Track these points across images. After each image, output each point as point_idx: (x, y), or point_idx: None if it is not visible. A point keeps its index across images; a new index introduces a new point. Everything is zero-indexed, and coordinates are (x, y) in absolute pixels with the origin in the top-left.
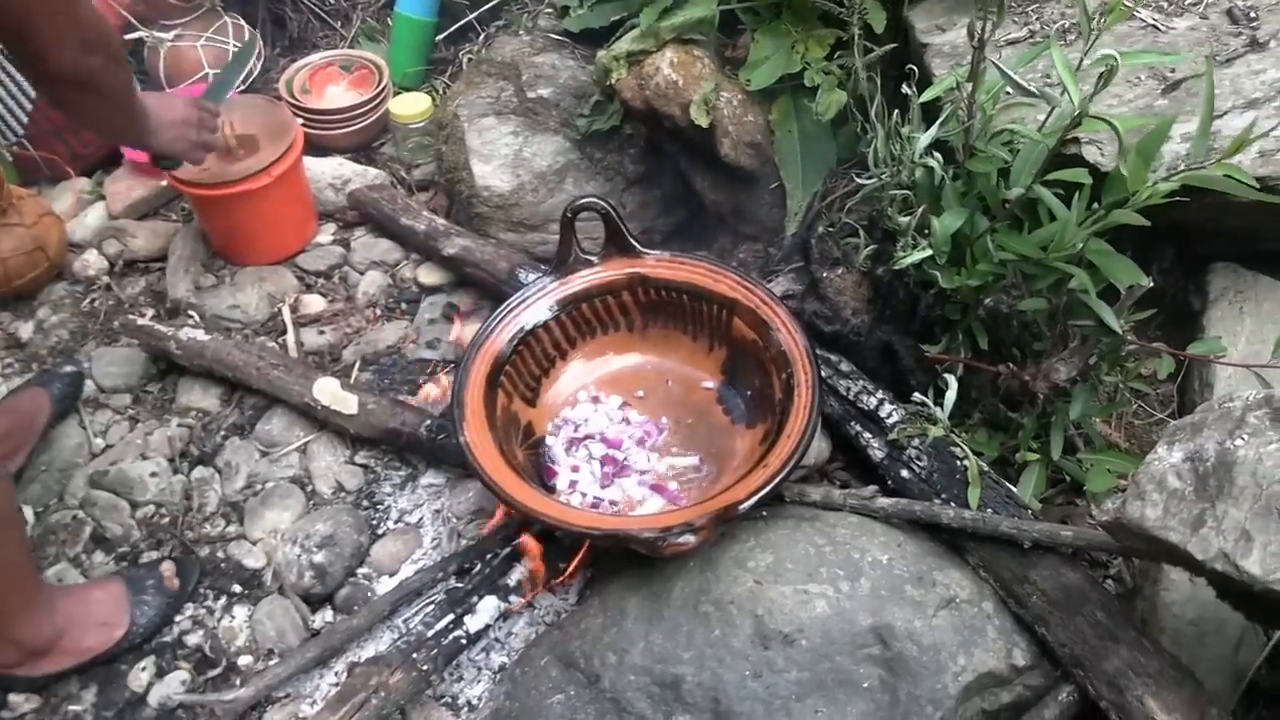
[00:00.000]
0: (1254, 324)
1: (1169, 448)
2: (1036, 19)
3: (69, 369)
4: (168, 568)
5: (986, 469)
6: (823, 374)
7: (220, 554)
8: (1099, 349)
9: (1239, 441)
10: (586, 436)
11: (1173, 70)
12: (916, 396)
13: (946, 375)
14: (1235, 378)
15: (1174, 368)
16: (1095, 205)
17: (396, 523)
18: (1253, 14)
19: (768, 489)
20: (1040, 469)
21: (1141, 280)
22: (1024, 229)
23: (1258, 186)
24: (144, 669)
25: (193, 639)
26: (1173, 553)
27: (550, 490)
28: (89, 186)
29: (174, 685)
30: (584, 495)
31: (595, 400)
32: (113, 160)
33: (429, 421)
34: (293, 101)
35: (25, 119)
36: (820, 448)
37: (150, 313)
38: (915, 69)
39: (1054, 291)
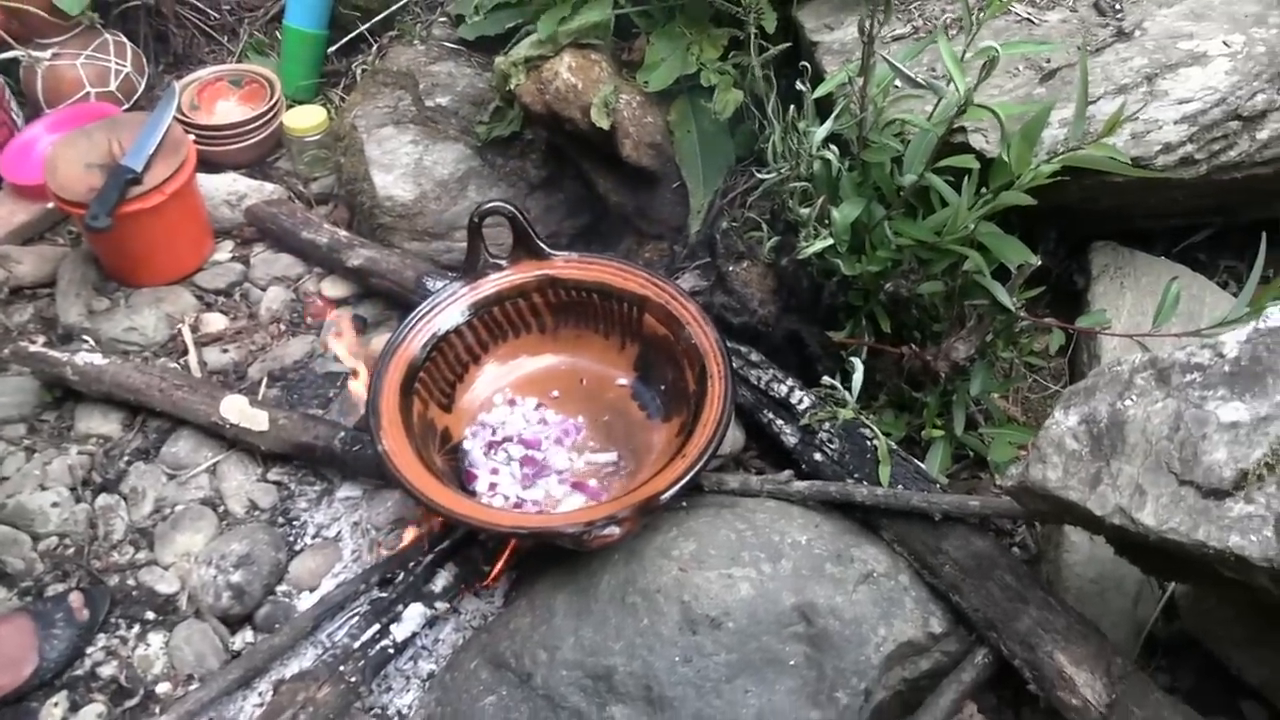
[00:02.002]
0: (1134, 297)
1: (1065, 412)
2: (919, 15)
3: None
4: (76, 599)
5: (895, 448)
6: (734, 365)
7: (131, 581)
8: (994, 327)
9: (1128, 402)
10: (505, 439)
11: (1048, 60)
12: (825, 380)
13: (852, 359)
14: (1120, 349)
15: (1064, 341)
16: (984, 190)
17: (314, 538)
18: (1118, 6)
19: (687, 478)
20: (945, 445)
21: (1030, 259)
22: (919, 215)
23: (1130, 163)
24: (56, 704)
25: (107, 670)
26: (1073, 511)
27: (471, 494)
28: None
29: (90, 719)
30: (505, 497)
31: (511, 403)
32: None
33: (343, 434)
34: (182, 118)
35: None
36: (735, 437)
37: (41, 339)
38: (808, 66)
39: (950, 274)
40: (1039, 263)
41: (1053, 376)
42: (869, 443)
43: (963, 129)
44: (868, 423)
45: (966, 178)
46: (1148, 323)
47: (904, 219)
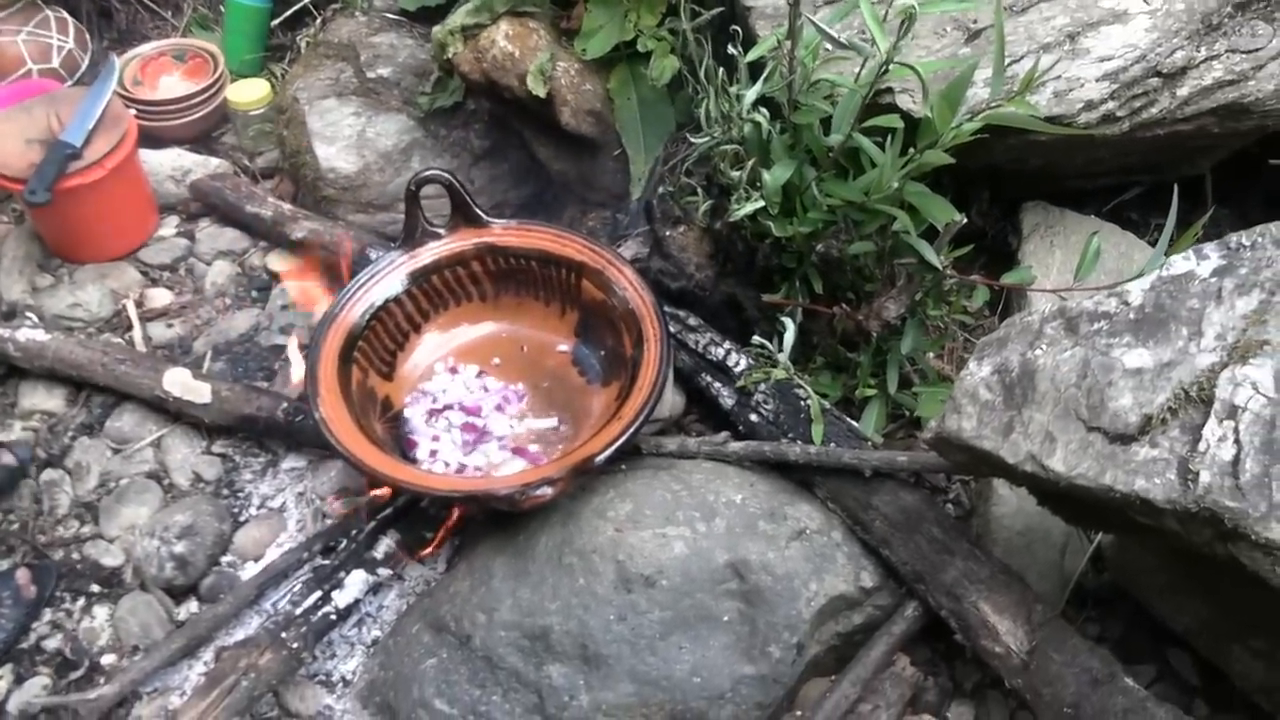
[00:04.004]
0: (1063, 255)
1: (979, 363)
2: None
3: (8, 459)
4: (23, 576)
5: (829, 407)
6: (672, 329)
7: (76, 555)
8: (924, 285)
9: (1039, 351)
10: (445, 407)
11: (975, 20)
12: (756, 339)
13: (784, 320)
14: (1050, 303)
15: (989, 297)
16: (911, 150)
17: (259, 509)
18: None
19: (621, 440)
20: (880, 404)
21: (955, 217)
22: (849, 176)
23: (1043, 118)
24: (1, 678)
25: (51, 643)
26: (989, 460)
27: (413, 462)
28: None
29: (34, 690)
30: (446, 464)
31: (453, 371)
32: None
33: (285, 405)
34: (124, 93)
35: None
36: (674, 401)
37: None
38: (740, 30)
39: (880, 235)
40: (964, 220)
41: (985, 334)
42: (803, 403)
43: (889, 89)
44: (801, 383)
45: (890, 136)
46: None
47: (834, 180)
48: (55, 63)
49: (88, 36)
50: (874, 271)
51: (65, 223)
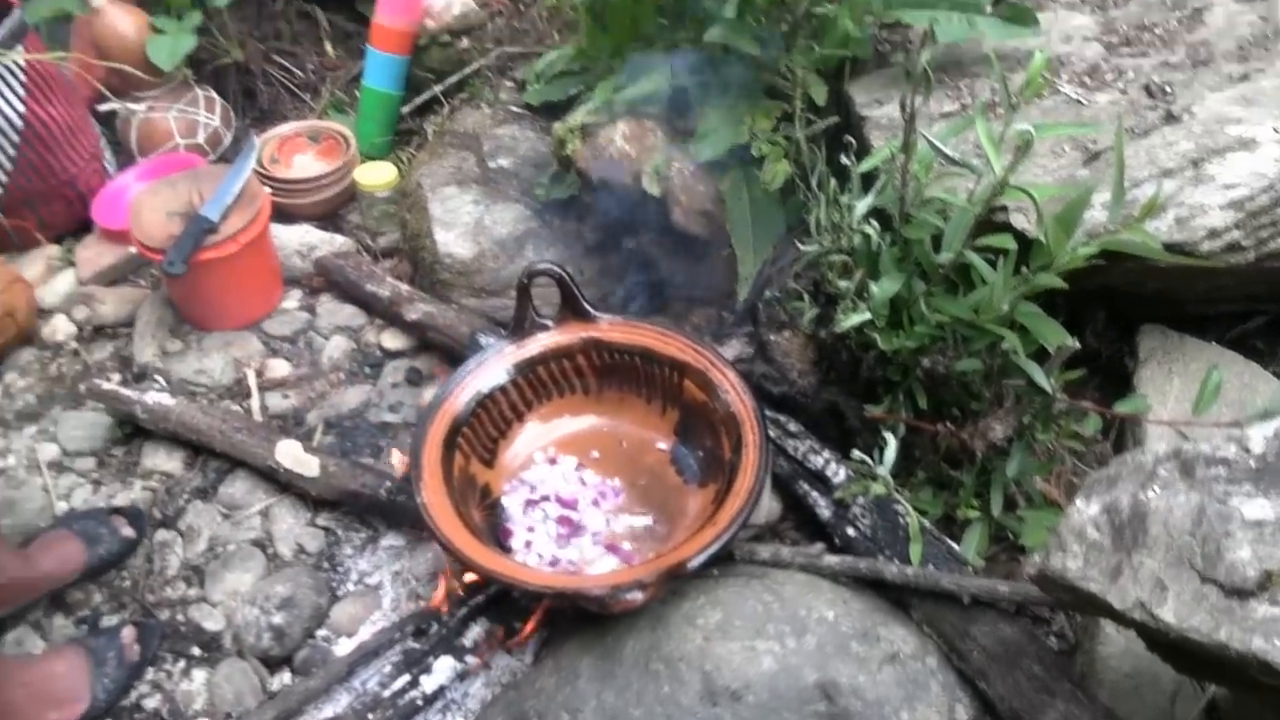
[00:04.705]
0: (1182, 383)
1: (1087, 500)
2: (968, 93)
3: (127, 533)
4: (129, 634)
5: (928, 526)
6: (771, 434)
7: (180, 617)
8: (1032, 408)
9: (1151, 494)
10: (543, 497)
11: (1094, 141)
12: (856, 454)
13: (887, 434)
14: (1168, 436)
15: (1102, 425)
16: (1025, 269)
17: (356, 584)
18: (1168, 89)
19: (715, 546)
20: (982, 526)
21: (1067, 341)
22: (959, 292)
23: (1163, 248)
24: None
25: (150, 703)
26: (1095, 603)
27: (507, 551)
28: (59, 253)
29: None
30: (540, 556)
31: (552, 461)
32: (84, 228)
33: (388, 483)
34: (261, 171)
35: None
36: (771, 507)
37: (117, 377)
38: (854, 140)
39: (988, 353)
40: (1076, 346)
41: (1097, 460)
42: (902, 520)
43: (1003, 208)
44: (900, 499)
45: (1003, 257)
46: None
47: (943, 296)
48: (200, 138)
49: (232, 115)
50: (981, 390)
51: (197, 292)
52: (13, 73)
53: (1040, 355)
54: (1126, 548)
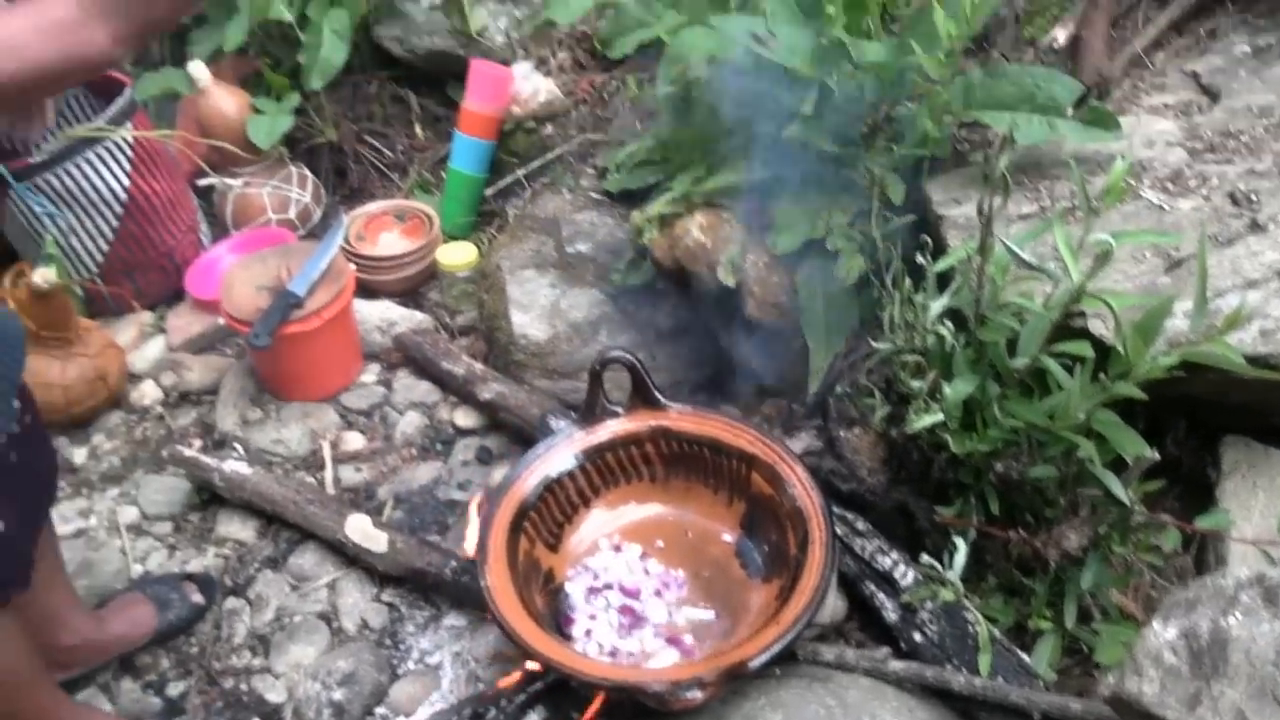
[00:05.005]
0: (1267, 498)
1: (1164, 623)
2: (1047, 195)
3: (196, 598)
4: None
5: (999, 636)
6: (839, 532)
7: (244, 686)
8: (1109, 518)
9: (1232, 620)
10: (605, 585)
11: (1176, 249)
12: (925, 559)
13: (957, 539)
14: (1251, 555)
15: (1182, 539)
16: (1102, 376)
17: (417, 663)
18: (1254, 197)
19: (778, 646)
20: (1055, 639)
21: (1145, 453)
22: (1034, 396)
23: (1245, 362)
24: None
25: None
26: None
27: (567, 638)
28: (152, 320)
29: None
30: (600, 645)
31: (616, 549)
32: (177, 296)
33: (454, 563)
34: (347, 247)
35: (101, 259)
36: (836, 606)
37: (198, 443)
38: (931, 239)
39: (1064, 460)
40: (1155, 457)
41: (1177, 574)
42: (971, 628)
43: (1081, 313)
44: (970, 607)
45: (1080, 364)
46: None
47: (1018, 399)
48: (292, 214)
49: (323, 192)
50: (1056, 497)
51: (280, 364)
52: (120, 148)
53: (1118, 464)
54: (1206, 675)
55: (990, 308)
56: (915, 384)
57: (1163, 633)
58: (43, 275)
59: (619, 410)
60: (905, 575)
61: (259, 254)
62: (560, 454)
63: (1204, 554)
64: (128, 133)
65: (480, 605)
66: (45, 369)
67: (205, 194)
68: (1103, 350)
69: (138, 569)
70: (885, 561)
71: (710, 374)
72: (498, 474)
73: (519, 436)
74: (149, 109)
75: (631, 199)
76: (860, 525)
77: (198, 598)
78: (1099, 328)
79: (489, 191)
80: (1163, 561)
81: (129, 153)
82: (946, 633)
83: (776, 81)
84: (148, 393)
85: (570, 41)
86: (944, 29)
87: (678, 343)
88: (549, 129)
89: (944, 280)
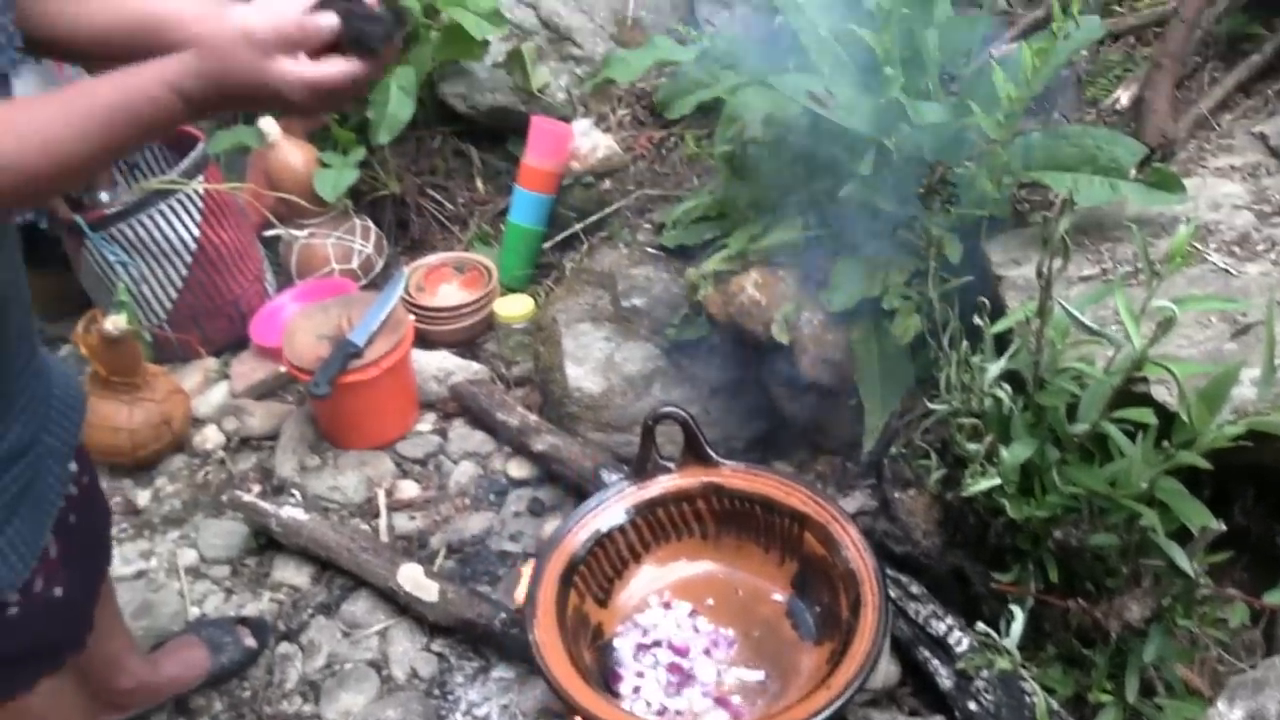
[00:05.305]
0: None
1: (1229, 704)
2: (1109, 257)
3: (250, 641)
4: None
5: (1057, 707)
6: (892, 595)
7: None
8: (1172, 590)
9: None
10: (654, 643)
11: (1243, 314)
12: (980, 626)
13: (1014, 606)
14: None
15: (1250, 614)
16: (1166, 444)
17: (465, 714)
18: None
19: (829, 711)
20: (1116, 711)
21: (1211, 523)
22: (1095, 462)
23: None
24: None
25: None
26: None
27: (615, 695)
28: (216, 366)
29: None
30: (648, 704)
31: (666, 605)
32: (241, 343)
33: (504, 615)
34: (407, 298)
35: (170, 306)
36: (889, 671)
37: (257, 488)
38: (989, 299)
39: (1125, 528)
40: (1221, 529)
41: (1245, 649)
42: (1028, 698)
43: (1144, 379)
44: (1027, 676)
45: (1142, 431)
46: None
47: (1078, 465)
48: (354, 264)
49: (385, 243)
50: (1118, 566)
51: (338, 413)
52: (192, 200)
53: (1183, 533)
54: None
55: (1049, 371)
56: (972, 446)
57: (1228, 713)
58: (114, 322)
59: (671, 466)
60: (960, 641)
61: (321, 304)
62: (611, 509)
63: (1274, 628)
64: (200, 185)
65: (529, 658)
66: (113, 413)
67: (271, 244)
68: (1166, 417)
69: (194, 611)
70: (940, 627)
71: (764, 430)
72: (549, 526)
73: (571, 489)
74: (220, 162)
75: (687, 254)
76: (914, 589)
77: (251, 641)
78: (1162, 394)
79: (547, 245)
80: (1230, 636)
81: (200, 204)
82: (1003, 702)
83: (834, 140)
84: (210, 437)
85: (630, 98)
86: (1003, 91)
87: (731, 398)
88: (607, 184)
89: (1002, 342)
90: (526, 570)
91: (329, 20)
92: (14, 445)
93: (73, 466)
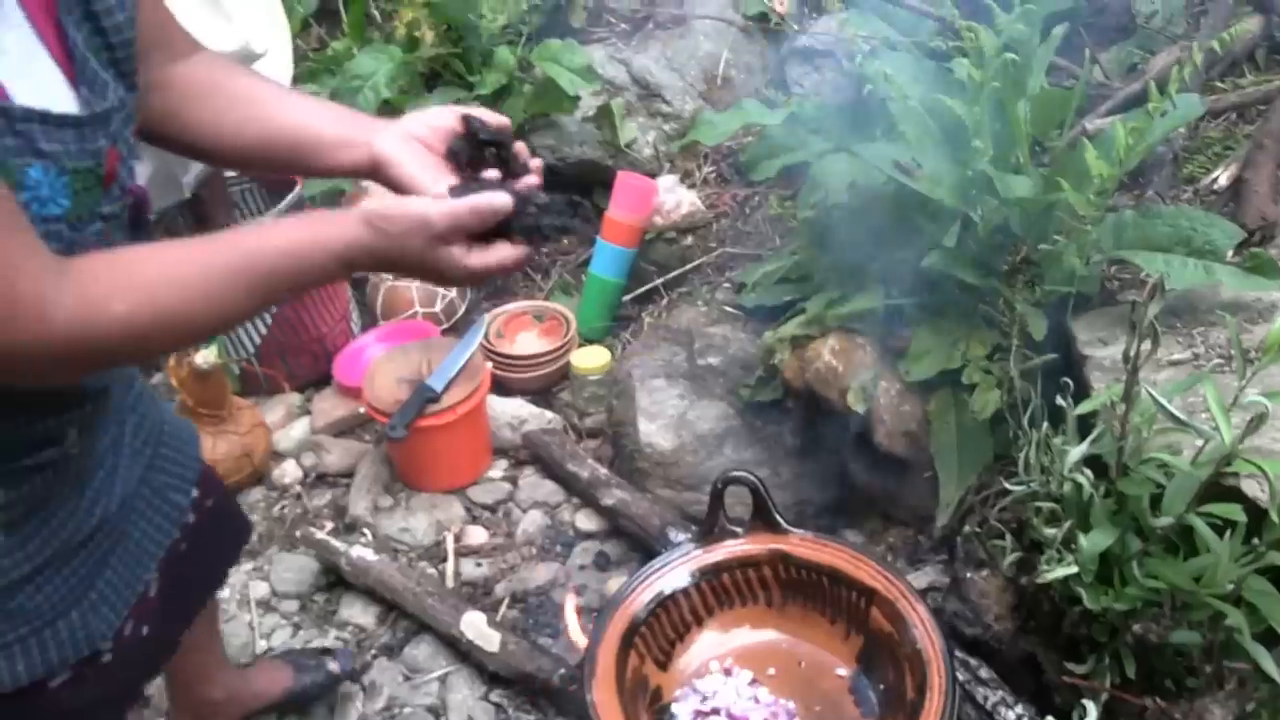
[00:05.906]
0: None
1: None
2: (1201, 342)
3: (333, 666)
4: None
5: None
6: (960, 678)
7: None
8: (1258, 695)
9: None
10: (714, 710)
11: None
12: (1051, 719)
13: (1087, 701)
14: None
15: None
16: (1256, 541)
17: None
18: None
19: None
20: None
21: None
22: (1179, 555)
23: None
24: None
25: None
26: None
27: None
28: (299, 402)
29: None
30: None
31: (727, 672)
32: (324, 381)
33: (563, 671)
34: (487, 344)
35: (259, 341)
36: None
37: (330, 525)
38: (1073, 380)
39: (1209, 626)
40: None
41: None
42: None
43: (1233, 473)
44: None
45: (1231, 529)
46: None
47: (1161, 558)
48: (437, 308)
49: (468, 289)
50: (1199, 666)
51: (413, 455)
52: None
53: (1270, 635)
54: None
55: (1133, 459)
56: (1049, 531)
57: None
58: (204, 356)
59: (739, 530)
60: None
61: (403, 346)
62: (676, 571)
63: None
64: None
65: (586, 717)
66: None
67: (359, 285)
68: (1256, 513)
69: (262, 645)
70: (1009, 715)
71: (835, 497)
72: (613, 582)
73: (638, 545)
74: (315, 204)
75: (766, 315)
76: (984, 673)
77: (334, 666)
78: (1253, 489)
79: (626, 298)
80: None
81: None
82: None
83: (918, 210)
84: (289, 471)
85: (715, 155)
86: (1095, 168)
87: (803, 462)
88: (689, 240)
89: (1085, 424)
90: (569, 605)
91: (504, 205)
92: (106, 504)
93: (194, 493)
